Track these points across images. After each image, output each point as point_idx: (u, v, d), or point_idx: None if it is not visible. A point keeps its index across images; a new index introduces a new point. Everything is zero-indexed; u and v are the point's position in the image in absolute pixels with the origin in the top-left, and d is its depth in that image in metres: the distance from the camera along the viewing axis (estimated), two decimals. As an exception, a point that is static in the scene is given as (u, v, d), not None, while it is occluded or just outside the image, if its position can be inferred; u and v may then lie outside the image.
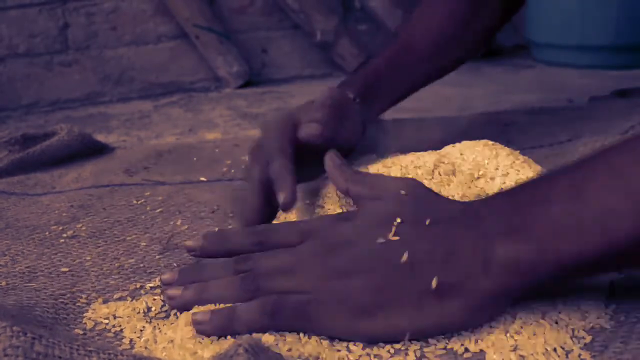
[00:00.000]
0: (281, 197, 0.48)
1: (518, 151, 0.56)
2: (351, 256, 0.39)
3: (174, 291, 0.43)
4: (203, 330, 0.39)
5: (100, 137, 0.99)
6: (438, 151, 0.57)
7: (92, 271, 0.51)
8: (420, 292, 0.38)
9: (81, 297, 0.47)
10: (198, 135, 1.02)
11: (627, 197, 0.35)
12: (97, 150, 0.89)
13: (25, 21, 1.36)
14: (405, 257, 0.38)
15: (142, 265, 0.52)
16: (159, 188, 0.71)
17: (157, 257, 0.54)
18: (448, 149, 0.57)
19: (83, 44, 1.40)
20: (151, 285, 0.48)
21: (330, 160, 0.49)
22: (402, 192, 0.42)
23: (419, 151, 0.59)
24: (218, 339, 0.39)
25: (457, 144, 0.57)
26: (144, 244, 0.56)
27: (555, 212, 0.37)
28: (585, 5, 1.33)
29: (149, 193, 0.69)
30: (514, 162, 0.54)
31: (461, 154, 0.56)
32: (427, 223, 0.39)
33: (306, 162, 0.54)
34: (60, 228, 0.61)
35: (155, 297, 0.45)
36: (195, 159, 0.83)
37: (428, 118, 0.97)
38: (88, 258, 0.54)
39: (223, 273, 0.43)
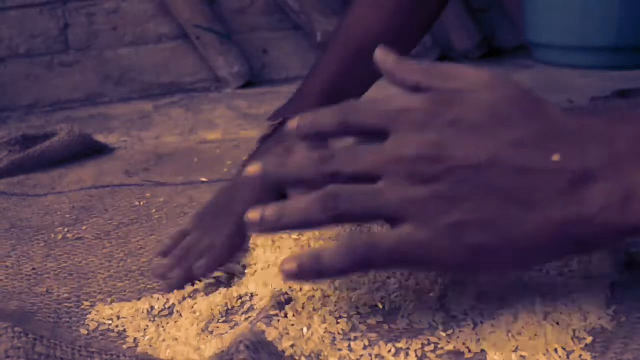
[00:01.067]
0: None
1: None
2: (455, 170, 0.32)
3: (253, 214, 0.36)
4: (294, 279, 0.35)
5: (101, 138, 0.99)
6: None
7: (99, 273, 0.51)
8: (536, 229, 0.32)
9: (87, 300, 0.47)
10: (198, 136, 1.02)
11: None
12: (97, 150, 0.89)
13: (25, 21, 1.36)
14: (524, 182, 0.31)
15: (150, 267, 0.52)
16: (160, 189, 0.71)
17: (165, 260, 0.54)
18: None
19: (83, 44, 1.40)
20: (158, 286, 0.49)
21: (384, 54, 0.40)
22: (500, 85, 0.35)
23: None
24: (221, 335, 0.39)
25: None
26: (151, 245, 0.56)
27: None
28: (585, 5, 1.32)
29: (149, 194, 0.69)
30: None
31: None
32: (546, 135, 0.32)
33: None
34: (65, 229, 0.61)
35: (159, 296, 0.45)
36: (195, 159, 0.83)
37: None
38: (94, 260, 0.54)
39: (308, 173, 0.36)
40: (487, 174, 0.32)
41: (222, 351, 0.35)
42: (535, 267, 0.36)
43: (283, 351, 0.37)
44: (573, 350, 0.36)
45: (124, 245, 0.57)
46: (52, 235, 0.60)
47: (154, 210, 0.64)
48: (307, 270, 0.35)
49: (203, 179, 0.74)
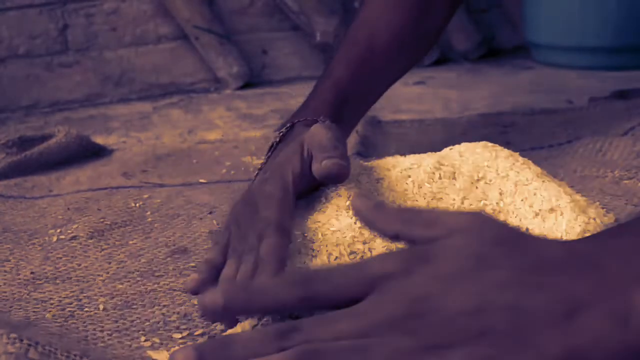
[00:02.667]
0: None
1: (518, 153, 0.56)
2: (445, 322, 0.31)
3: None
4: None
5: (100, 138, 0.98)
6: (438, 153, 0.57)
7: (98, 275, 0.51)
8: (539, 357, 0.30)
9: (89, 304, 0.46)
10: (198, 137, 1.02)
11: None
12: (95, 152, 0.88)
13: (25, 22, 1.36)
14: (513, 321, 0.30)
15: (149, 268, 0.52)
16: (157, 190, 0.71)
17: (165, 259, 0.54)
18: (448, 151, 0.57)
19: (83, 45, 1.40)
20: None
21: (361, 203, 0.39)
22: (475, 228, 0.34)
23: (419, 153, 0.59)
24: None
25: (457, 146, 0.57)
26: (148, 247, 0.56)
27: None
28: (584, 6, 1.32)
29: (147, 196, 0.69)
30: (513, 163, 0.54)
31: (461, 156, 0.56)
32: (528, 270, 0.32)
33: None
34: (59, 231, 0.61)
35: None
36: (195, 160, 0.83)
37: (427, 120, 0.97)
38: (93, 263, 0.54)
39: (263, 349, 0.31)
40: (477, 319, 0.31)
41: None
42: None
43: None
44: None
45: (122, 247, 0.57)
46: (47, 237, 0.59)
47: (148, 212, 0.64)
48: None
49: (202, 181, 0.74)
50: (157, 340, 0.41)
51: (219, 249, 0.47)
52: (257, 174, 0.56)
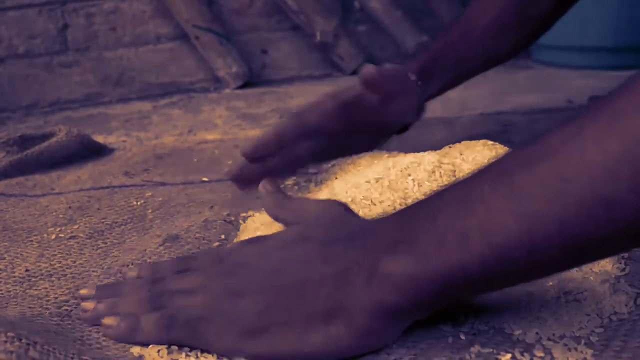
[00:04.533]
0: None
1: (518, 151, 0.56)
2: (245, 277, 0.40)
3: (87, 304, 0.43)
4: (110, 334, 0.40)
5: (100, 138, 0.98)
6: (438, 151, 0.57)
7: (93, 272, 0.51)
8: (307, 315, 0.37)
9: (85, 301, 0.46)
10: (198, 136, 1.02)
11: (511, 202, 0.32)
12: (96, 151, 0.88)
13: (25, 22, 1.36)
14: (295, 279, 0.38)
15: (142, 259, 0.52)
16: (159, 189, 0.71)
17: (160, 251, 0.53)
18: (448, 149, 0.57)
19: (83, 45, 1.40)
20: None
21: (264, 187, 0.49)
22: (317, 215, 0.43)
23: (419, 151, 0.59)
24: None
25: (457, 144, 0.57)
26: (145, 244, 0.56)
27: (439, 224, 0.35)
28: (584, 6, 1.32)
29: (149, 194, 0.69)
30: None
31: (461, 154, 0.56)
32: (326, 244, 0.39)
33: (362, 135, 0.61)
34: (58, 229, 0.60)
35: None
36: (195, 160, 0.83)
37: (428, 118, 0.97)
38: (88, 260, 0.54)
39: (139, 292, 0.43)
40: (267, 278, 0.39)
41: None
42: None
43: None
44: (575, 347, 0.36)
45: (119, 245, 0.56)
46: (45, 235, 0.59)
47: (149, 211, 0.64)
48: (123, 329, 0.40)
49: (204, 179, 0.74)
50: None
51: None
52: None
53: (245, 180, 0.61)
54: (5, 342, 0.35)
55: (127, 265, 0.51)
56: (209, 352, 0.38)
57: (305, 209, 0.45)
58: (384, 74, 0.63)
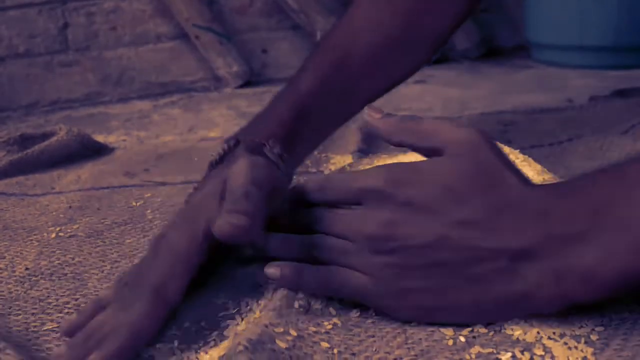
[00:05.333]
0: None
1: (518, 150, 0.56)
2: (407, 248, 0.37)
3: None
4: (276, 280, 0.40)
5: (100, 137, 0.99)
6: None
7: (93, 273, 0.51)
8: (479, 300, 0.36)
9: (85, 304, 0.46)
10: (198, 135, 1.02)
11: None
12: (96, 150, 0.88)
13: (25, 21, 1.36)
14: (467, 257, 0.36)
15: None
16: (159, 189, 0.71)
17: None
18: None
19: (83, 44, 1.40)
20: None
21: (370, 113, 0.42)
22: (467, 151, 0.38)
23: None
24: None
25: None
26: (144, 246, 0.56)
27: (625, 215, 0.34)
28: (584, 5, 1.33)
29: (149, 194, 0.69)
30: (513, 161, 0.54)
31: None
32: (497, 212, 0.36)
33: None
34: (58, 229, 0.60)
35: None
36: (195, 159, 0.83)
37: (428, 119, 0.97)
38: (87, 258, 0.54)
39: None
40: (433, 250, 0.36)
41: (224, 355, 0.35)
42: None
43: (287, 348, 0.36)
44: (575, 346, 0.36)
45: (118, 246, 0.56)
46: (45, 234, 0.59)
47: (149, 211, 0.64)
48: (287, 280, 0.40)
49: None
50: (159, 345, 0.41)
51: (91, 308, 0.42)
52: (187, 199, 0.48)
53: None
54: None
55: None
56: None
57: (441, 134, 0.39)
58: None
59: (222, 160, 0.48)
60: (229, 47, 1.43)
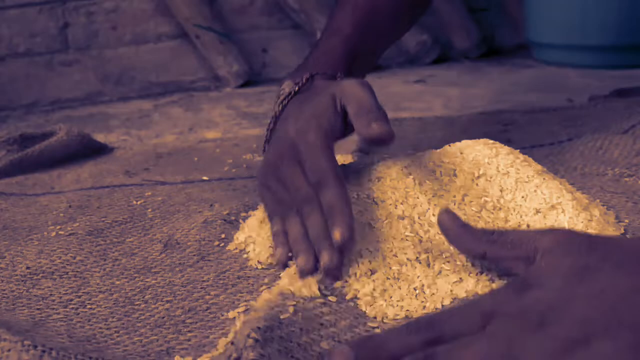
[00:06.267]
0: (338, 234, 0.42)
1: (518, 150, 0.56)
2: (574, 319, 0.31)
3: None
4: None
5: (101, 137, 0.99)
6: (438, 150, 0.57)
7: (95, 272, 0.51)
8: None
9: (89, 301, 0.46)
10: (198, 135, 1.02)
11: None
12: (96, 150, 0.88)
13: (25, 21, 1.36)
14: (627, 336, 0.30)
15: (145, 264, 0.52)
16: (159, 188, 0.71)
17: (160, 255, 0.54)
18: (448, 148, 0.57)
19: (83, 44, 1.40)
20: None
21: (449, 220, 0.42)
22: (564, 243, 0.36)
23: (419, 150, 0.59)
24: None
25: (457, 143, 0.57)
26: (145, 244, 0.56)
27: None
28: (585, 5, 1.32)
29: (149, 193, 0.69)
30: (514, 161, 0.54)
31: (461, 153, 0.56)
32: (628, 268, 0.33)
33: None
34: (58, 227, 0.60)
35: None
36: (196, 158, 0.83)
37: (428, 117, 0.97)
38: (89, 258, 0.54)
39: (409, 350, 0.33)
40: (607, 312, 0.31)
41: (232, 343, 0.35)
42: None
43: (291, 344, 0.36)
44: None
45: (119, 244, 0.56)
46: (46, 233, 0.59)
47: (149, 210, 0.64)
48: None
49: (204, 178, 0.73)
50: (167, 337, 0.41)
51: (278, 215, 0.47)
52: (274, 121, 0.55)
53: None
54: (21, 351, 0.35)
55: (128, 269, 0.51)
56: None
57: (532, 241, 0.37)
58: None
59: (301, 91, 0.55)
60: (230, 47, 1.43)
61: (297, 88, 0.56)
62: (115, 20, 1.41)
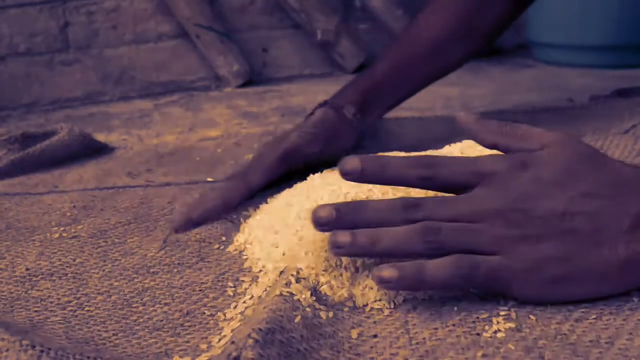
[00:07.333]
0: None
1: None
2: (539, 219, 0.39)
3: (342, 237, 0.40)
4: (391, 287, 0.39)
5: (101, 136, 0.99)
6: (439, 150, 0.57)
7: (94, 273, 0.51)
8: (606, 264, 0.38)
9: (87, 303, 0.46)
10: (199, 134, 1.02)
11: None
12: (97, 150, 0.88)
13: (25, 20, 1.36)
14: (593, 225, 0.39)
15: (143, 263, 0.52)
16: (164, 189, 0.71)
17: (158, 252, 0.53)
18: (449, 148, 0.57)
19: (84, 43, 1.40)
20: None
21: (466, 115, 0.45)
22: (567, 145, 0.41)
23: (420, 150, 0.59)
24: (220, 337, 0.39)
25: (458, 143, 0.57)
26: (146, 245, 0.56)
27: None
28: (586, 4, 1.33)
29: (153, 194, 0.69)
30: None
31: (462, 153, 0.56)
32: (609, 186, 0.40)
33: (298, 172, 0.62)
34: (62, 229, 0.60)
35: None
36: (197, 158, 0.83)
37: (429, 117, 0.97)
38: (89, 261, 0.54)
39: (390, 218, 0.40)
40: (564, 219, 0.39)
41: (232, 342, 0.35)
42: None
43: (291, 342, 0.36)
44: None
45: (119, 245, 0.56)
46: (48, 234, 0.59)
47: (154, 211, 0.64)
48: (409, 279, 0.39)
49: (209, 179, 0.73)
50: (165, 340, 0.41)
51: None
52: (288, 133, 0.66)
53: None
54: (19, 351, 0.35)
55: (127, 269, 0.51)
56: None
57: (538, 137, 0.42)
58: (322, 123, 0.64)
59: (313, 113, 0.68)
60: (230, 46, 1.43)
61: (311, 112, 0.68)
62: (116, 20, 1.41)
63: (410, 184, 0.42)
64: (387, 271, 0.38)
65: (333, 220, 0.41)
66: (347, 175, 0.42)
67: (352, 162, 0.41)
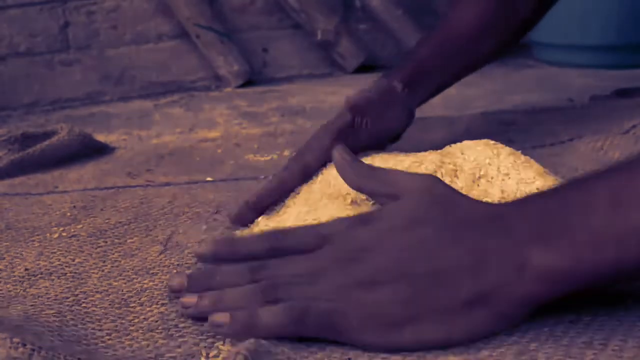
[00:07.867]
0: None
1: (519, 151, 0.56)
2: (374, 265, 0.38)
3: (188, 299, 0.41)
4: (223, 333, 0.39)
5: (101, 136, 0.99)
6: (439, 151, 0.57)
7: (93, 273, 0.51)
8: (448, 302, 0.37)
9: (85, 300, 0.46)
10: (199, 135, 1.02)
11: None
12: (97, 150, 0.88)
13: (26, 20, 1.36)
14: (431, 266, 0.37)
15: (143, 265, 0.52)
16: (164, 189, 0.71)
17: (159, 256, 0.54)
18: (449, 148, 0.57)
19: (84, 43, 1.40)
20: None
21: (339, 154, 0.47)
22: (421, 191, 0.41)
23: (421, 151, 0.59)
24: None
25: (458, 144, 0.57)
26: (146, 245, 0.56)
27: (594, 221, 0.36)
28: (586, 4, 1.32)
29: (153, 195, 0.69)
30: (515, 161, 0.54)
31: (462, 154, 0.56)
32: (451, 227, 0.39)
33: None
34: (62, 229, 0.60)
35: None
36: (197, 159, 0.83)
37: (429, 117, 0.97)
38: (88, 261, 0.53)
39: (237, 281, 0.41)
40: (401, 265, 0.38)
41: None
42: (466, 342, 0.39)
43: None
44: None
45: (119, 245, 0.56)
46: (49, 234, 0.59)
47: (154, 210, 0.64)
48: (240, 325, 0.38)
49: (209, 179, 0.73)
50: (158, 342, 0.41)
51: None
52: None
53: (245, 223, 0.58)
54: (10, 348, 0.35)
55: (127, 270, 0.51)
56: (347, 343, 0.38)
57: (399, 182, 0.43)
58: (368, 98, 0.64)
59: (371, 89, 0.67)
60: (230, 46, 1.43)
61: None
62: (116, 20, 1.41)
63: (262, 257, 0.43)
64: (220, 316, 0.39)
65: (184, 288, 0.43)
66: (201, 258, 0.45)
67: (206, 246, 0.45)
